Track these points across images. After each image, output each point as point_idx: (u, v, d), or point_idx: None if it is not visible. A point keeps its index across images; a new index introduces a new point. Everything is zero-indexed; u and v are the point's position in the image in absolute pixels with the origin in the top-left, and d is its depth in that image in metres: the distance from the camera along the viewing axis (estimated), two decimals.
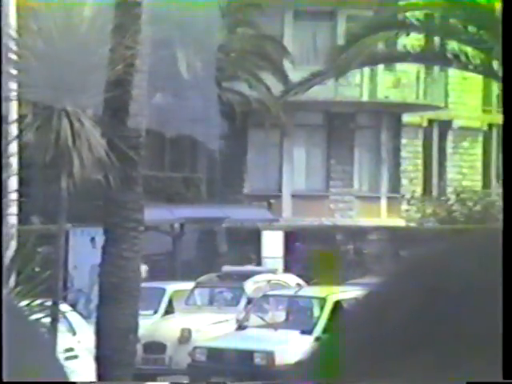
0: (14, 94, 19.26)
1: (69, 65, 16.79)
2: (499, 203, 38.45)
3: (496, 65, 26.42)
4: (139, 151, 16.70)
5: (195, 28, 30.27)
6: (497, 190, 41.05)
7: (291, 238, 33.30)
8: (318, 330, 21.55)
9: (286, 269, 30.10)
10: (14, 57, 17.47)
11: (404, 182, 40.58)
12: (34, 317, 14.80)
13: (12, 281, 15.41)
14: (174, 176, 35.20)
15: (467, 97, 41.53)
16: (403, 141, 40.70)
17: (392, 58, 32.97)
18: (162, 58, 22.82)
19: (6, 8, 20.77)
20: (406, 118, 40.53)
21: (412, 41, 31.04)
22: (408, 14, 29.09)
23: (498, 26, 25.58)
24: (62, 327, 16.81)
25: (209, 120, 32.84)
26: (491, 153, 42.60)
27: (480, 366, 0.63)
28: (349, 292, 23.13)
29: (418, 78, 39.28)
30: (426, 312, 0.64)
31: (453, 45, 27.62)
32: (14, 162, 19.45)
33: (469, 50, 26.61)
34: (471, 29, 26.34)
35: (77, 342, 17.59)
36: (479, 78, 34.12)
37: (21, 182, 19.77)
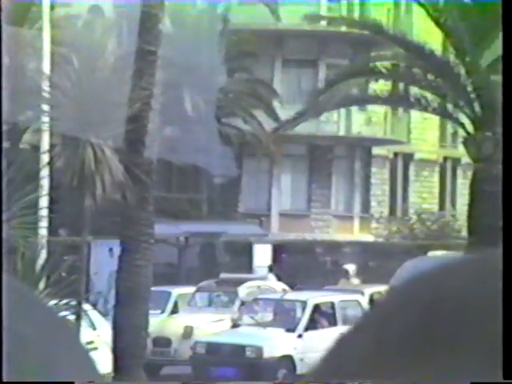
0: (45, 126, 19.22)
1: (93, 102, 16.78)
2: (453, 223, 38.46)
3: (450, 107, 26.47)
4: (151, 176, 16.72)
5: (199, 73, 30.27)
6: (451, 212, 41.09)
7: (278, 250, 33.24)
8: (300, 328, 21.50)
9: (276, 277, 30.04)
10: (46, 95, 17.48)
11: (373, 204, 40.59)
12: (60, 314, 14.75)
13: (42, 284, 15.35)
14: (180, 197, 35.15)
15: (426, 134, 41.61)
16: (373, 169, 40.74)
17: (364, 101, 33.04)
18: (172, 98, 22.81)
19: (41, 52, 20.75)
20: (376, 150, 40.58)
21: (381, 86, 31.09)
22: (377, 63, 29.21)
23: (452, 74, 25.62)
24: (84, 323, 16.77)
25: (210, 150, 32.81)
26: (446, 181, 42.70)
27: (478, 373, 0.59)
28: (326, 296, 23.10)
29: (385, 117, 39.35)
30: (427, 321, 0.60)
31: (415, 90, 27.71)
32: (45, 184, 19.41)
33: (428, 94, 26.68)
34: (430, 77, 26.43)
35: (96, 336, 17.52)
36: (436, 118, 34.18)
37: (51, 201, 19.73)
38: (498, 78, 24.63)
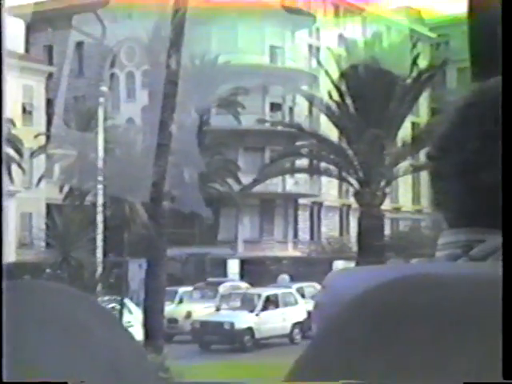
0: (100, 191, 19.21)
1: (129, 176, 16.89)
2: (347, 244, 38.48)
3: (344, 174, 26.68)
4: (164, 219, 16.67)
5: (192, 156, 30.37)
6: (346, 237, 41.10)
7: (243, 263, 33.23)
8: (258, 310, 21.48)
9: (241, 279, 29.99)
10: (101, 172, 17.57)
11: (300, 233, 40.64)
12: (110, 306, 14.65)
13: (99, 287, 15.29)
14: (182, 231, 34.94)
15: (331, 190, 41.78)
16: (299, 212, 40.88)
17: (293, 171, 33.31)
18: (176, 173, 22.84)
19: (97, 147, 20.67)
20: (301, 201, 40.75)
21: (303, 162, 31.35)
22: (301, 149, 29.52)
23: (345, 154, 25.90)
24: (125, 310, 16.66)
25: (200, 203, 32.78)
26: (343, 219, 42.81)
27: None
28: (272, 290, 23.11)
29: (305, 180, 39.54)
30: (377, 330, 0.47)
31: (323, 164, 27.94)
32: (100, 225, 19.34)
33: (331, 167, 26.86)
34: (332, 156, 26.63)
35: (133, 318, 17.41)
36: (336, 181, 34.31)
37: (104, 236, 19.64)
38: (376, 154, 24.84)
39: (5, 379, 0.44)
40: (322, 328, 0.51)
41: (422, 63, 28.25)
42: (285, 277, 27.80)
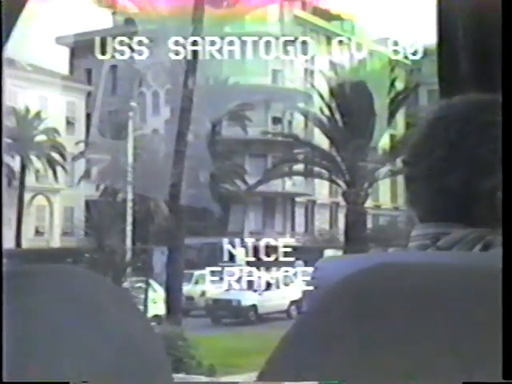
0: (129, 189, 19.18)
1: (153, 178, 16.89)
2: (336, 235, 38.29)
3: (334, 177, 26.53)
4: (182, 214, 16.62)
5: (205, 162, 30.24)
6: (335, 230, 40.85)
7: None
8: (261, 290, 21.41)
9: (247, 264, 29.76)
10: (130, 174, 17.53)
11: (296, 226, 40.47)
12: (138, 285, 14.61)
13: (129, 269, 15.27)
14: (197, 224, 34.74)
15: (323, 190, 41.57)
16: (296, 209, 40.70)
17: (291, 174, 33.15)
18: (192, 174, 22.74)
19: (127, 152, 20.66)
20: (298, 199, 40.56)
21: (299, 167, 31.19)
22: (297, 156, 29.33)
23: (334, 160, 25.75)
24: (150, 289, 16.61)
25: (210, 201, 32.64)
26: (333, 214, 42.60)
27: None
28: (273, 274, 22.96)
29: (301, 182, 39.34)
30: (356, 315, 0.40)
31: (316, 169, 27.64)
32: (129, 219, 19.28)
33: (323, 170, 26.64)
34: (323, 162, 26.40)
35: (157, 296, 17.34)
36: (327, 182, 34.11)
37: (134, 227, 19.60)
38: (360, 160, 24.81)
39: (5, 379, 0.38)
40: (306, 311, 0.45)
41: (399, 85, 28.51)
42: (300, 262, 27.79)
